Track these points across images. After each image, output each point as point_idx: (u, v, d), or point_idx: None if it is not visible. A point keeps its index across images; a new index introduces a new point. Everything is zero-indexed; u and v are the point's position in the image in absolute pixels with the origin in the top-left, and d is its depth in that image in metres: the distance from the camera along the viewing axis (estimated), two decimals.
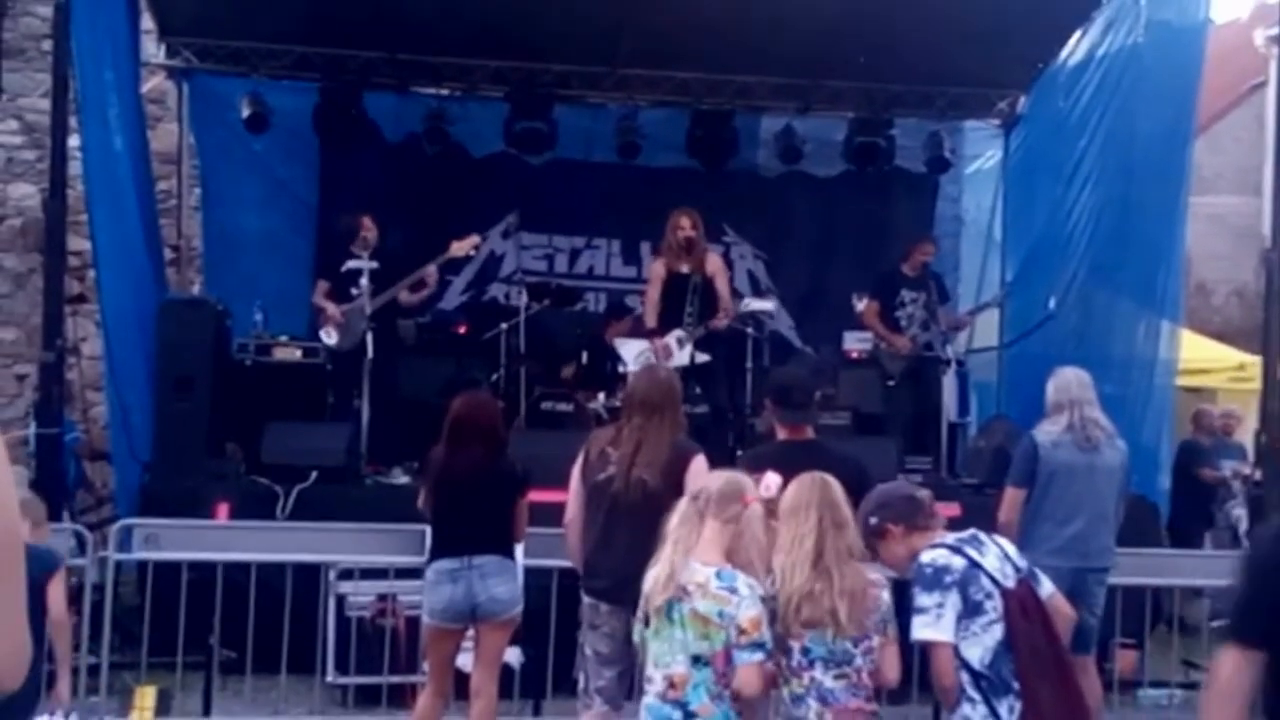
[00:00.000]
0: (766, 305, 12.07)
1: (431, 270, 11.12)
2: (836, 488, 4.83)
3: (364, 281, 10.75)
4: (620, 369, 10.96)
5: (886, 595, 4.73)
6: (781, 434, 6.62)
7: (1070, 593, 7.39)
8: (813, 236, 14.17)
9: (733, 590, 4.57)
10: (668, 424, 6.33)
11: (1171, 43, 11.03)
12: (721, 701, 4.56)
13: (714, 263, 11.19)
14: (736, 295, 12.10)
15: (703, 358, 10.81)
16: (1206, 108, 14.12)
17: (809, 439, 6.58)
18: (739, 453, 10.32)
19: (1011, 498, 7.78)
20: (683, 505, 4.85)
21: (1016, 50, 12.59)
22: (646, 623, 4.72)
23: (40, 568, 5.53)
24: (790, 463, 6.00)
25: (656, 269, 11.17)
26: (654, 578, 4.70)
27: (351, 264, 10.91)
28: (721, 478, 4.94)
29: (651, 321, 11.02)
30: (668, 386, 6.50)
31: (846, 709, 4.63)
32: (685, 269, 10.92)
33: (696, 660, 4.59)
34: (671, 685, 4.61)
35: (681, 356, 10.67)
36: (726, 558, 4.68)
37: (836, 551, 4.69)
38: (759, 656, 4.53)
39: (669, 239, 11.02)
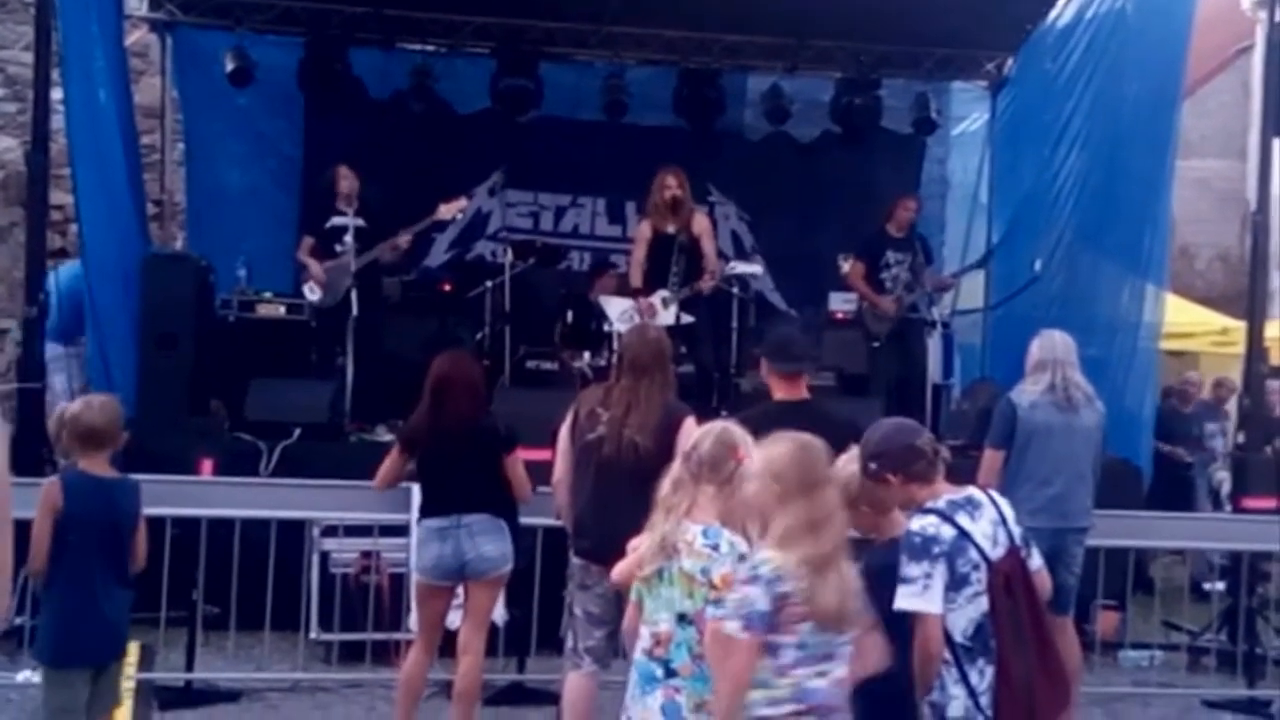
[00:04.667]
0: (754, 269, 12.05)
1: (405, 238, 11.07)
2: (809, 454, 4.46)
3: (348, 238, 10.72)
4: (605, 328, 10.94)
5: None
6: (777, 393, 6.58)
7: (1050, 553, 7.42)
8: (798, 197, 14.09)
9: (715, 548, 4.55)
10: (658, 385, 6.32)
11: (1159, 6, 10.99)
12: (703, 661, 4.53)
13: (700, 223, 11.11)
14: (722, 257, 12.08)
15: (687, 319, 10.78)
16: (1193, 71, 14.09)
17: (804, 399, 6.57)
18: (722, 413, 10.37)
19: (990, 460, 7.79)
20: (675, 470, 4.78)
21: (1005, 11, 12.56)
22: (640, 581, 4.68)
23: None
24: (784, 424, 6.02)
25: (642, 229, 11.10)
26: (646, 545, 4.66)
27: (336, 220, 10.86)
28: (711, 436, 4.80)
29: (636, 281, 10.96)
30: (658, 347, 6.48)
31: (825, 707, 4.29)
32: (671, 229, 10.84)
33: (682, 619, 4.57)
34: (658, 642, 4.60)
35: (666, 316, 10.63)
36: (722, 519, 4.64)
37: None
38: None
39: (655, 198, 10.93)
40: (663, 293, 10.74)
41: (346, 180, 10.96)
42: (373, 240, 10.81)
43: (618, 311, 10.87)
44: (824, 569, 4.18)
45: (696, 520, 4.64)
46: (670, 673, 4.58)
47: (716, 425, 4.91)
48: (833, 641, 4.26)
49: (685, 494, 4.69)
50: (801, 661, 4.22)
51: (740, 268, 11.59)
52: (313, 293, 10.93)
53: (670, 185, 10.80)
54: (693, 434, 5.31)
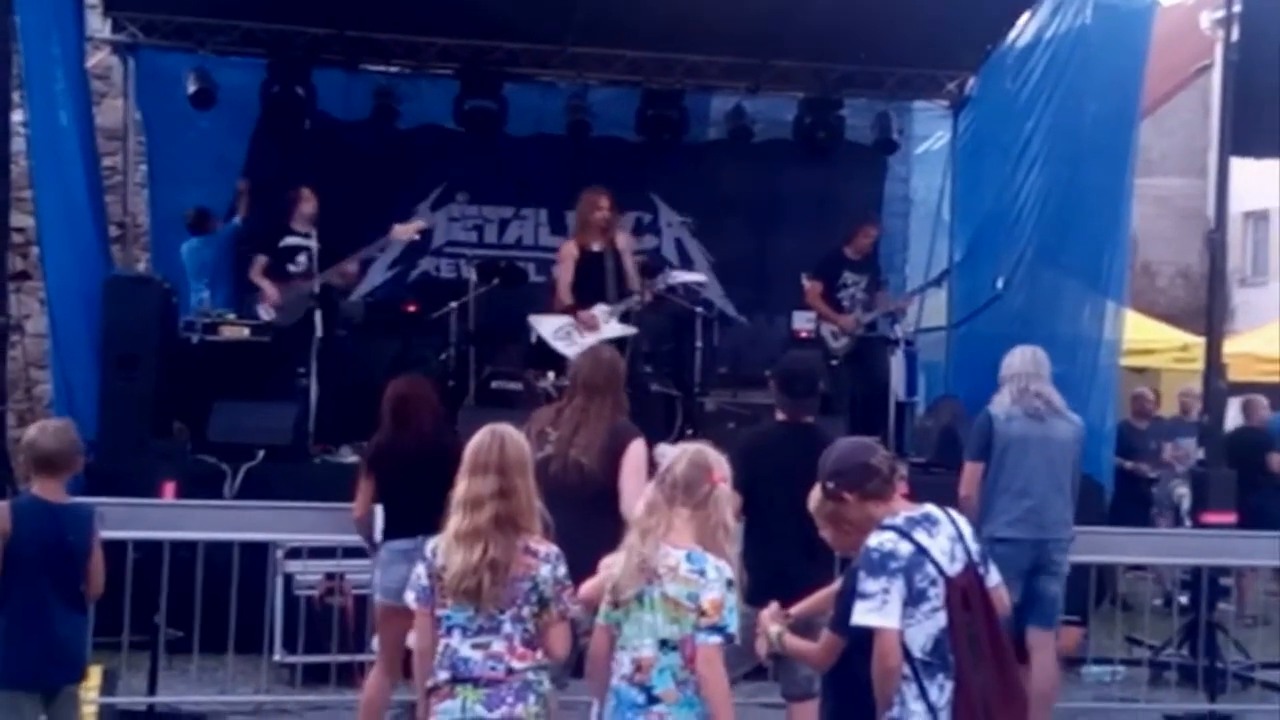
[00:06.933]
0: (697, 277, 12.12)
1: (353, 266, 11.23)
2: (492, 441, 4.78)
3: (302, 258, 10.76)
4: (557, 349, 10.90)
5: (546, 570, 4.67)
6: (780, 414, 6.80)
7: (1033, 564, 7.68)
8: (760, 213, 14.13)
9: (701, 573, 4.54)
10: (609, 406, 6.35)
11: (1118, 25, 11.10)
12: (687, 687, 4.52)
13: (623, 240, 11.25)
14: (669, 266, 12.22)
15: (628, 330, 10.82)
16: (1153, 90, 14.23)
17: (806, 423, 6.71)
18: (688, 431, 10.41)
19: (970, 472, 7.89)
20: (650, 492, 4.79)
21: (965, 31, 12.64)
22: (615, 605, 4.67)
23: None
24: (784, 445, 6.48)
25: (569, 249, 11.13)
26: (623, 569, 4.66)
27: (290, 240, 10.88)
28: (685, 458, 4.79)
29: (568, 299, 10.94)
30: (611, 369, 6.52)
31: (480, 678, 4.62)
32: (597, 247, 10.94)
33: (664, 644, 4.55)
34: (638, 669, 4.57)
35: (610, 329, 10.70)
36: (699, 541, 4.65)
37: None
38: (717, 639, 4.50)
39: (587, 218, 10.97)
40: (603, 307, 10.78)
41: (308, 203, 10.97)
42: (329, 260, 10.82)
43: (551, 329, 10.83)
44: (464, 544, 4.65)
45: (673, 543, 4.64)
46: (653, 699, 4.55)
47: (691, 447, 4.91)
48: (494, 617, 4.64)
49: (661, 517, 4.69)
50: (453, 632, 4.66)
51: (682, 276, 11.64)
52: (267, 314, 10.93)
53: (603, 206, 10.92)
54: (640, 458, 5.39)
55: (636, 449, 6.10)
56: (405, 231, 11.13)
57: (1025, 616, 7.66)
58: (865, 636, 4.41)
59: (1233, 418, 13.33)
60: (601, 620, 4.72)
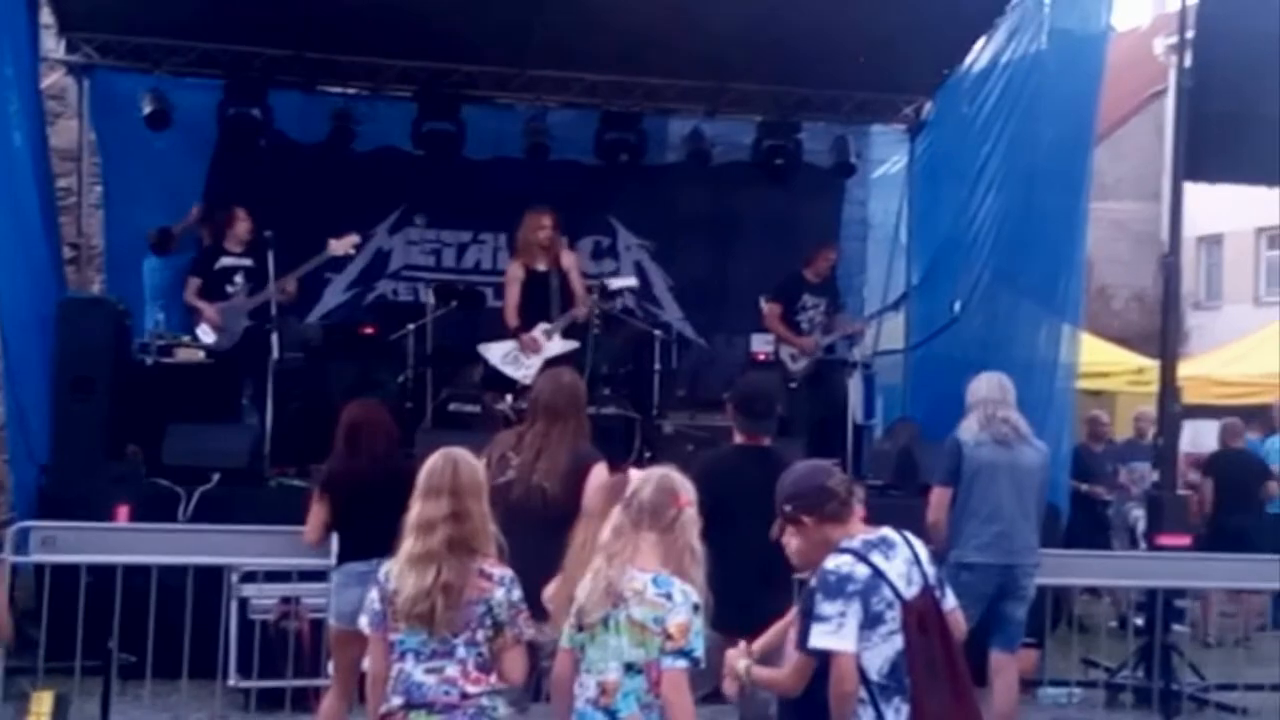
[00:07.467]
0: (628, 282, 12.17)
1: (292, 282, 11.16)
2: (445, 464, 4.83)
3: (239, 279, 10.83)
4: (506, 374, 10.90)
5: (500, 593, 4.69)
6: (738, 438, 6.80)
7: (1000, 589, 7.78)
8: (718, 237, 14.17)
9: (668, 597, 4.53)
10: (570, 430, 6.35)
11: (1073, 50, 11.17)
12: (652, 711, 4.50)
13: (568, 257, 11.30)
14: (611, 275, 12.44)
15: (569, 345, 10.86)
16: (1108, 115, 14.31)
17: (764, 446, 6.73)
18: (646, 453, 10.39)
19: (938, 497, 7.96)
20: (616, 516, 4.77)
21: (922, 56, 12.70)
22: (580, 629, 4.65)
23: None
24: (741, 468, 6.50)
25: (514, 270, 11.20)
26: (588, 592, 4.64)
27: (226, 261, 10.94)
28: (651, 483, 4.79)
29: (515, 321, 11.00)
30: (571, 393, 6.51)
31: (434, 703, 4.63)
32: (542, 266, 11.03)
33: (630, 668, 4.52)
34: (603, 692, 4.55)
35: (553, 347, 10.78)
36: (665, 565, 4.64)
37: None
38: (683, 664, 4.49)
39: (530, 239, 11.07)
40: (544, 325, 10.85)
41: (244, 223, 11.04)
42: (267, 280, 10.84)
43: (500, 355, 10.91)
44: (416, 567, 4.67)
45: (639, 567, 4.62)
46: None
47: (657, 471, 4.90)
48: (447, 641, 4.64)
49: (627, 541, 4.68)
50: (406, 656, 4.66)
51: (616, 283, 11.69)
52: (207, 335, 10.92)
53: (546, 225, 11.02)
54: (602, 483, 5.38)
55: (599, 473, 6.09)
56: (340, 246, 11.18)
57: (989, 639, 7.71)
58: (822, 659, 4.41)
59: (1188, 440, 13.41)
60: (566, 644, 4.70)
